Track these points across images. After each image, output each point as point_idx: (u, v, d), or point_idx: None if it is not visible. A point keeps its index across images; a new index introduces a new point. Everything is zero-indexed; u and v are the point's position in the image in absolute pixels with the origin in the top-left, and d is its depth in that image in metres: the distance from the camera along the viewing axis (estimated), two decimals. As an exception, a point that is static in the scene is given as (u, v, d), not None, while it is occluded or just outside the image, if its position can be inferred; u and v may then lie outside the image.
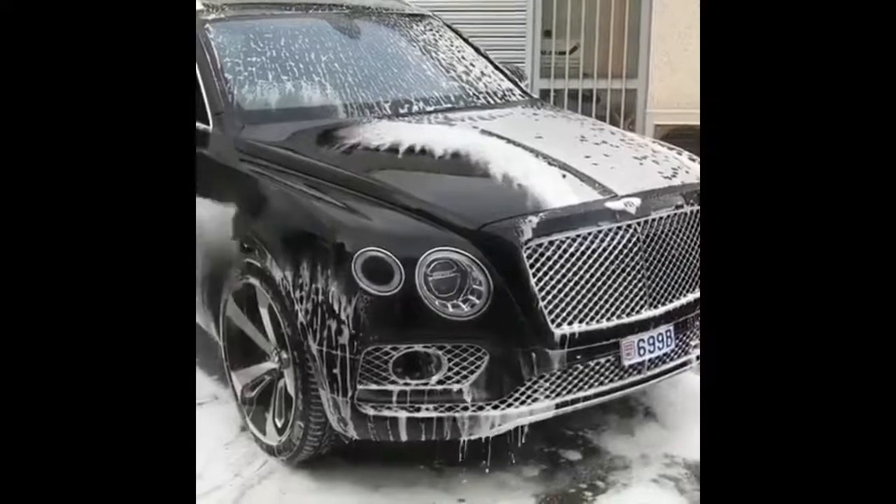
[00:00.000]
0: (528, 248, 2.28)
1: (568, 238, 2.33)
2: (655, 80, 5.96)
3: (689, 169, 2.84)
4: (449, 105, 3.23)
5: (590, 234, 2.35)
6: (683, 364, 2.58)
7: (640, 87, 6.19)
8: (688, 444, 2.77)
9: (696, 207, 2.61)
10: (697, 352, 2.62)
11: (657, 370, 2.49)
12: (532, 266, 2.28)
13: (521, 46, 6.26)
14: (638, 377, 2.46)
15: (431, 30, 3.76)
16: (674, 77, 5.85)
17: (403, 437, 2.35)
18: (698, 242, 2.59)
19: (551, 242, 2.31)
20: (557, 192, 2.43)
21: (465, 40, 3.87)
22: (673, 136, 5.46)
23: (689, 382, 3.11)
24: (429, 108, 3.15)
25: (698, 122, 5.20)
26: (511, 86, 3.66)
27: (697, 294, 2.57)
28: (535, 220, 2.32)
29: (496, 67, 3.77)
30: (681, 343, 2.54)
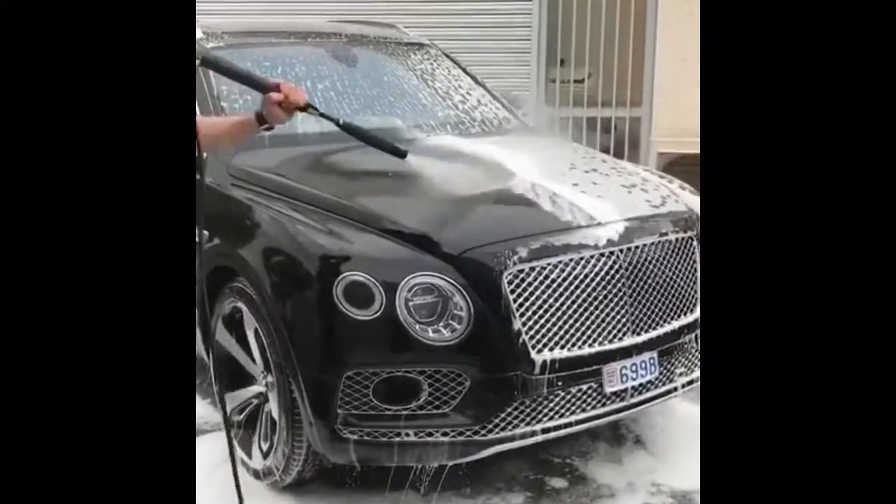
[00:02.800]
0: (509, 274, 2.29)
1: (550, 264, 2.34)
2: (659, 108, 5.98)
3: (678, 198, 2.86)
4: (443, 133, 3.27)
5: (572, 260, 2.36)
6: (668, 392, 2.57)
7: (644, 115, 6.21)
8: (675, 473, 2.75)
9: (683, 235, 2.61)
10: (683, 379, 2.61)
11: (640, 398, 2.48)
12: (513, 292, 2.29)
13: (527, 74, 6.31)
14: (621, 404, 2.45)
15: (429, 58, 3.81)
16: (678, 106, 5.86)
17: (384, 462, 2.36)
18: (684, 270, 2.60)
19: (532, 268, 2.32)
20: (542, 219, 2.45)
21: (463, 69, 3.91)
22: (676, 164, 5.46)
23: (680, 410, 3.09)
24: (421, 136, 3.18)
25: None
26: (507, 114, 3.69)
27: (683, 321, 2.57)
28: (517, 245, 2.33)
29: (493, 96, 3.81)
30: (665, 370, 2.54)
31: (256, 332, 2.52)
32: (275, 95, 2.11)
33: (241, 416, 2.76)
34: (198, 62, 2.02)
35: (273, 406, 2.52)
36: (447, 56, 3.93)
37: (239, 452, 2.75)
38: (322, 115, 2.31)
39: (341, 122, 2.42)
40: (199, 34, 3.37)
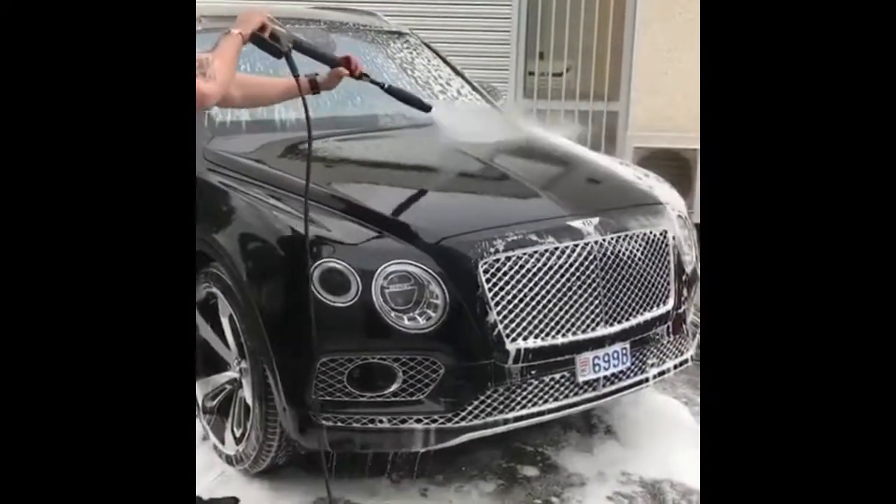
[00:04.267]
0: (485, 263, 2.31)
1: (525, 254, 2.36)
2: (636, 102, 6.02)
3: (654, 190, 2.89)
4: (420, 122, 3.27)
5: (547, 250, 2.38)
6: (639, 382, 2.60)
7: (621, 109, 6.25)
8: (646, 462, 2.79)
9: (656, 227, 2.65)
10: (654, 370, 2.64)
11: (612, 387, 2.51)
12: (489, 281, 2.31)
13: (505, 66, 6.32)
14: (593, 394, 2.48)
15: (409, 47, 3.80)
16: (654, 100, 5.91)
17: (358, 448, 2.37)
18: (657, 262, 2.63)
19: (508, 258, 2.34)
20: (518, 209, 2.47)
21: (443, 59, 3.91)
22: (651, 158, 5.50)
23: (651, 401, 3.14)
24: (399, 124, 3.18)
25: (677, 146, 5.25)
26: (486, 104, 3.70)
27: (654, 313, 2.60)
28: (493, 235, 2.35)
29: (472, 86, 3.82)
30: (637, 361, 2.57)
31: (231, 317, 2.52)
32: (343, 70, 2.44)
33: (214, 402, 2.75)
34: (289, 46, 2.26)
35: (247, 392, 2.51)
36: (426, 45, 3.93)
37: (212, 438, 2.75)
38: (373, 81, 2.58)
39: (386, 86, 2.65)
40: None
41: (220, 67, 2.01)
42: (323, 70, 2.48)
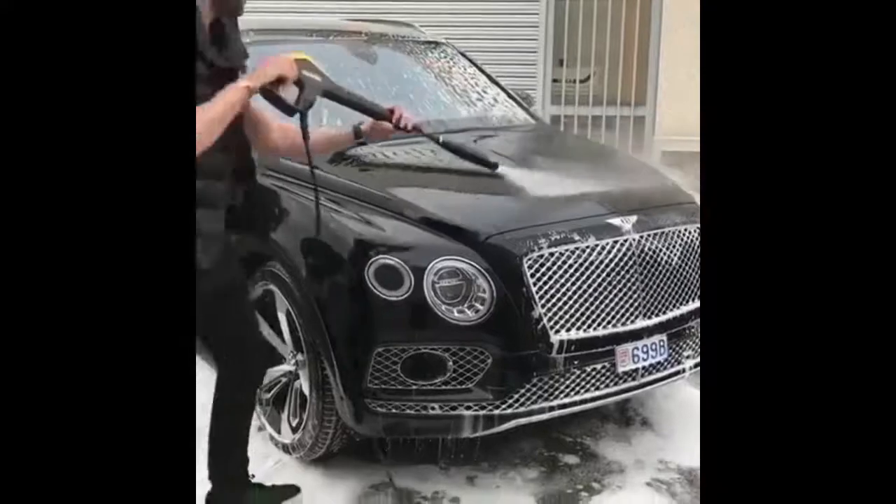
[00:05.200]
0: (529, 259, 2.45)
1: (567, 250, 2.49)
2: (663, 107, 6.14)
3: (684, 191, 3.02)
4: (462, 128, 3.41)
5: (588, 247, 2.52)
6: (676, 373, 2.72)
7: (647, 114, 6.37)
8: (681, 451, 2.90)
9: (690, 225, 2.77)
10: (690, 362, 2.76)
11: (650, 378, 2.64)
12: (533, 276, 2.45)
13: (533, 74, 6.47)
14: (632, 384, 2.60)
15: (446, 57, 3.95)
16: (680, 105, 6.03)
17: (410, 434, 2.51)
18: (691, 258, 2.75)
19: (552, 254, 2.47)
20: (560, 208, 2.61)
21: (479, 67, 4.06)
22: (679, 163, 5.62)
23: (684, 393, 3.25)
24: (441, 131, 3.32)
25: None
26: (521, 111, 3.84)
27: (690, 306, 2.72)
28: (537, 233, 2.49)
29: (508, 94, 3.96)
30: (673, 353, 2.69)
31: (288, 312, 2.67)
32: (388, 125, 2.40)
33: (270, 395, 2.91)
34: (318, 96, 2.15)
35: (304, 383, 2.67)
36: (462, 55, 4.08)
37: (267, 428, 2.91)
38: (428, 136, 2.54)
39: (441, 140, 2.65)
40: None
41: (199, 121, 1.79)
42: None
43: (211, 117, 1.86)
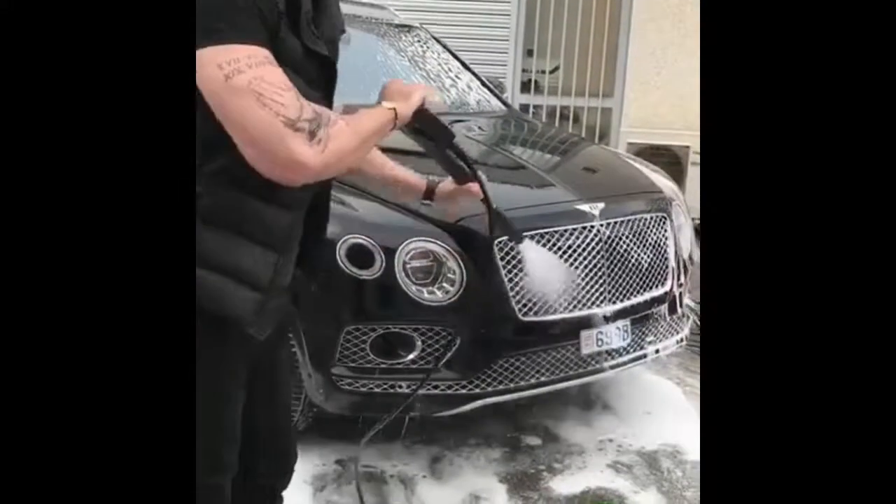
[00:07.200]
0: (499, 243, 2.48)
1: (537, 235, 2.54)
2: (630, 99, 6.22)
3: (651, 179, 3.08)
4: (435, 112, 3.42)
5: (556, 232, 2.56)
6: (638, 358, 2.79)
7: (615, 106, 6.44)
8: (642, 435, 2.98)
9: (656, 213, 2.84)
10: (652, 348, 2.83)
11: (613, 362, 2.70)
12: (503, 259, 2.49)
13: (504, 62, 6.50)
14: (595, 367, 2.66)
15: (419, 41, 3.97)
16: (647, 97, 6.11)
17: (378, 412, 2.53)
18: (656, 245, 2.82)
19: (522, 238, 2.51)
20: (530, 193, 2.65)
21: (452, 53, 4.08)
22: (643, 154, 5.70)
23: (645, 381, 3.33)
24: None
25: (668, 143, 5.42)
26: (493, 98, 3.88)
27: (654, 293, 2.79)
28: (508, 216, 2.52)
29: (480, 81, 3.99)
30: (636, 338, 2.75)
31: (257, 290, 2.68)
32: (477, 190, 1.82)
33: (237, 371, 2.91)
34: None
35: (272, 360, 2.67)
36: (436, 39, 4.09)
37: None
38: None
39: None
40: None
41: (341, 135, 1.31)
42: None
43: (356, 132, 1.37)
